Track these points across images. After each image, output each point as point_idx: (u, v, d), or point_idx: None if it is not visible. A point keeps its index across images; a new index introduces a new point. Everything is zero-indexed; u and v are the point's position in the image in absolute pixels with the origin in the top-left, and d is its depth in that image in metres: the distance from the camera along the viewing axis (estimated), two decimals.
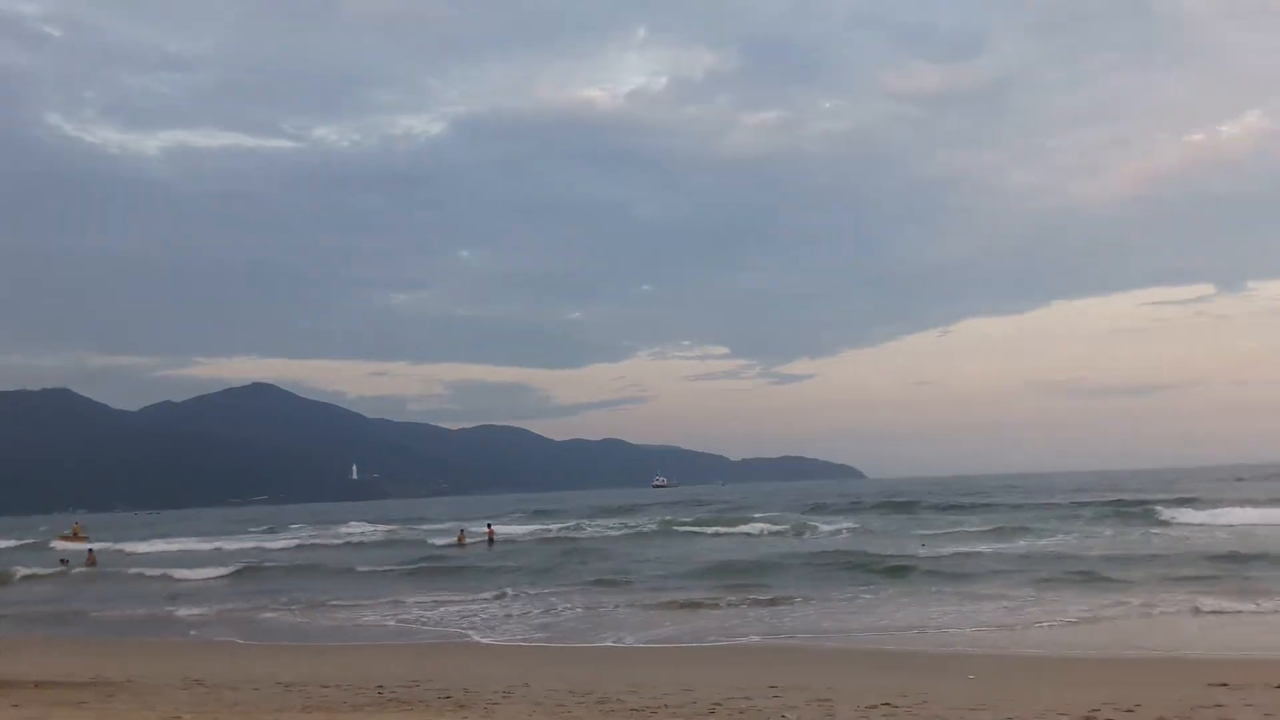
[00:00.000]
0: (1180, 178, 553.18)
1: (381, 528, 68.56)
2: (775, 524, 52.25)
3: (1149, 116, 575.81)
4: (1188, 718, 9.46)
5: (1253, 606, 19.54)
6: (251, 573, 37.79)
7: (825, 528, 50.21)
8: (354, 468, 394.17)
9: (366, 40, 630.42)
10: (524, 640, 19.86)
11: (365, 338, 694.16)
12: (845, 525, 51.84)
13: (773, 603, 23.54)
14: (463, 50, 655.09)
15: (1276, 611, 19.24)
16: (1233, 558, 27.73)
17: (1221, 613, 19.09)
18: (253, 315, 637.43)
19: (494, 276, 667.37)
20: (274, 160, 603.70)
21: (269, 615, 25.40)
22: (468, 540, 50.53)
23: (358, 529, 67.98)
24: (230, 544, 56.60)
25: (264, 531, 71.17)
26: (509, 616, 23.49)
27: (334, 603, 26.83)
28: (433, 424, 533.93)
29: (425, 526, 68.34)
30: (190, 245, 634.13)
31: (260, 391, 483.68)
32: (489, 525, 56.38)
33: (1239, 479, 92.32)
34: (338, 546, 53.45)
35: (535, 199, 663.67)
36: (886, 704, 10.79)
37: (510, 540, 52.62)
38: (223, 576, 36.33)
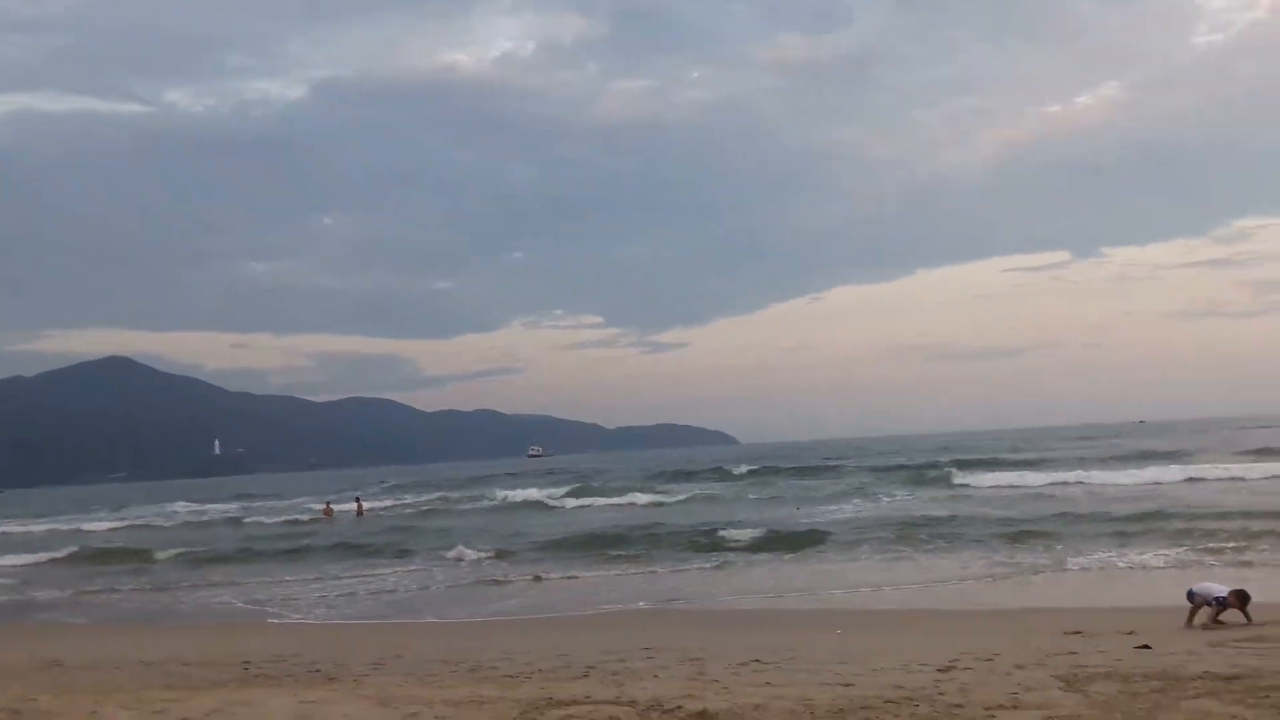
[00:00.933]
0: (1039, 148, 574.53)
1: (231, 506, 66.49)
2: (647, 492, 52.64)
3: (1010, 88, 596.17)
4: (1043, 664, 9.88)
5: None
6: (95, 555, 35.81)
7: (695, 494, 50.84)
8: (216, 443, 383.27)
9: (222, 1, 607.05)
10: (393, 614, 19.65)
11: (225, 309, 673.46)
12: (714, 491, 52.65)
13: (646, 570, 23.79)
14: (323, 12, 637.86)
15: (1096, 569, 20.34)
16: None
17: (1066, 569, 20.08)
18: (106, 286, 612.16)
19: (359, 245, 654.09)
20: (126, 125, 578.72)
21: (117, 598, 24.58)
22: (335, 512, 50.03)
23: (213, 507, 65.80)
24: (69, 524, 54.14)
25: (109, 512, 68.02)
26: (380, 591, 23.20)
27: (189, 584, 26.10)
28: (298, 397, 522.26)
29: (287, 501, 66.65)
30: (39, 213, 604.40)
31: (116, 365, 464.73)
32: (357, 498, 55.67)
33: (1082, 439, 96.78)
34: (194, 525, 51.95)
35: (400, 166, 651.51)
36: (756, 660, 11.00)
37: (379, 513, 52.03)
38: (56, 560, 34.16)
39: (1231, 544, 21.33)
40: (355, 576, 25.65)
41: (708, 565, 24.06)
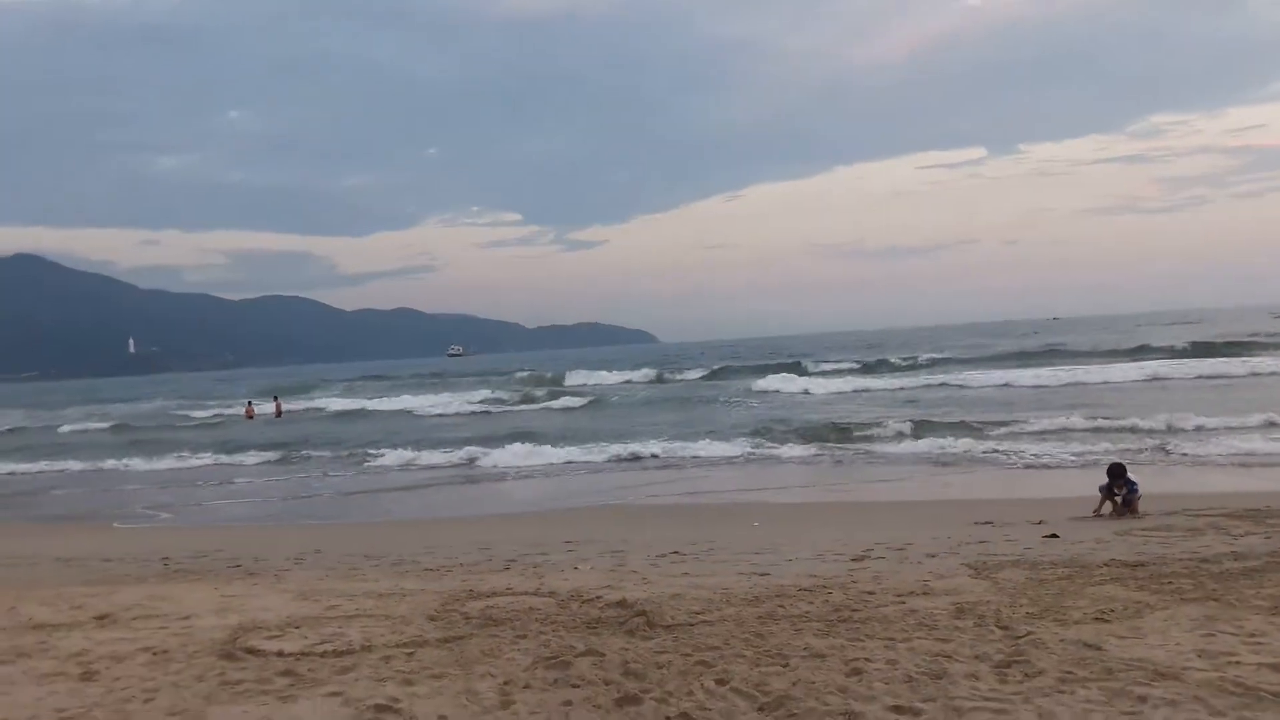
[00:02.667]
0: (954, 42, 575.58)
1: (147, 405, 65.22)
2: (576, 395, 52.57)
3: None
4: (954, 553, 10.16)
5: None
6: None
7: (613, 398, 50.95)
8: (131, 341, 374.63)
9: None
10: (315, 513, 19.55)
11: (132, 204, 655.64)
12: (635, 393, 52.93)
13: (568, 468, 23.90)
14: None
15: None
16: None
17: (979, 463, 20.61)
18: (8, 181, 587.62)
19: (267, 140, 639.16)
20: (20, 15, 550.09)
21: (36, 499, 24.08)
22: (256, 413, 49.78)
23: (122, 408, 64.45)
24: None
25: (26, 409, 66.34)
26: (300, 494, 23.04)
27: (104, 488, 25.68)
28: (213, 295, 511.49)
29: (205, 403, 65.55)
30: None
31: (24, 263, 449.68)
32: (276, 398, 55.45)
33: (991, 336, 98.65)
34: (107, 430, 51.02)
35: (307, 58, 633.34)
36: (675, 552, 11.16)
37: (298, 413, 51.75)
38: None
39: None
40: (276, 473, 25.41)
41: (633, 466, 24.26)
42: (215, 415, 50.59)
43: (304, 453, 30.51)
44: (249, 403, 53.25)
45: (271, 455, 30.27)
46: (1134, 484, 12.83)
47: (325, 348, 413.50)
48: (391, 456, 27.68)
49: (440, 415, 46.46)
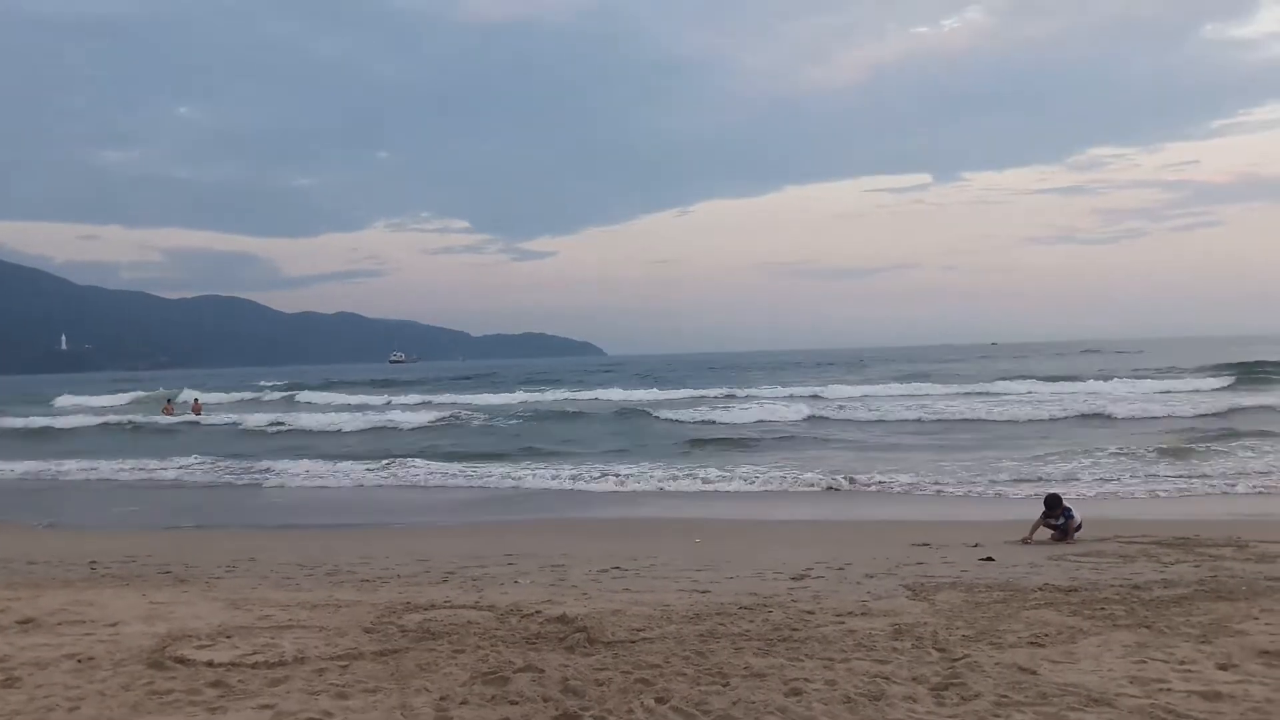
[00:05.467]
0: (903, 69, 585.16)
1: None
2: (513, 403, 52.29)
3: (876, 6, 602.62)
4: (892, 573, 10.24)
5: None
6: None
7: (567, 407, 50.79)
8: (63, 338, 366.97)
9: None
10: (246, 520, 19.21)
11: (73, 198, 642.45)
12: (587, 401, 52.82)
13: (513, 480, 23.71)
14: None
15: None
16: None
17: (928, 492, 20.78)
18: None
19: (214, 136, 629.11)
20: None
21: None
22: (175, 412, 49.31)
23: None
24: None
25: None
26: (240, 503, 22.65)
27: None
28: (150, 293, 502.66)
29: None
30: None
31: None
32: (195, 398, 55.80)
33: (936, 361, 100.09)
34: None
35: (259, 55, 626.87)
36: (616, 567, 11.13)
37: (221, 412, 51.54)
38: None
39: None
40: (200, 476, 24.94)
41: (572, 473, 24.09)
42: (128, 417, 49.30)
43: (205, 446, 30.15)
44: (168, 400, 53.64)
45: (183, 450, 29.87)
46: (1070, 512, 13.07)
47: (264, 350, 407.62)
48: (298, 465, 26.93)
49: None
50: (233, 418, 45.58)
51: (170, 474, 26.02)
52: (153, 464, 27.78)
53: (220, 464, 27.25)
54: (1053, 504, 13.22)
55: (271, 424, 41.78)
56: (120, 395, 68.22)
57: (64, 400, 65.52)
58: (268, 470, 25.70)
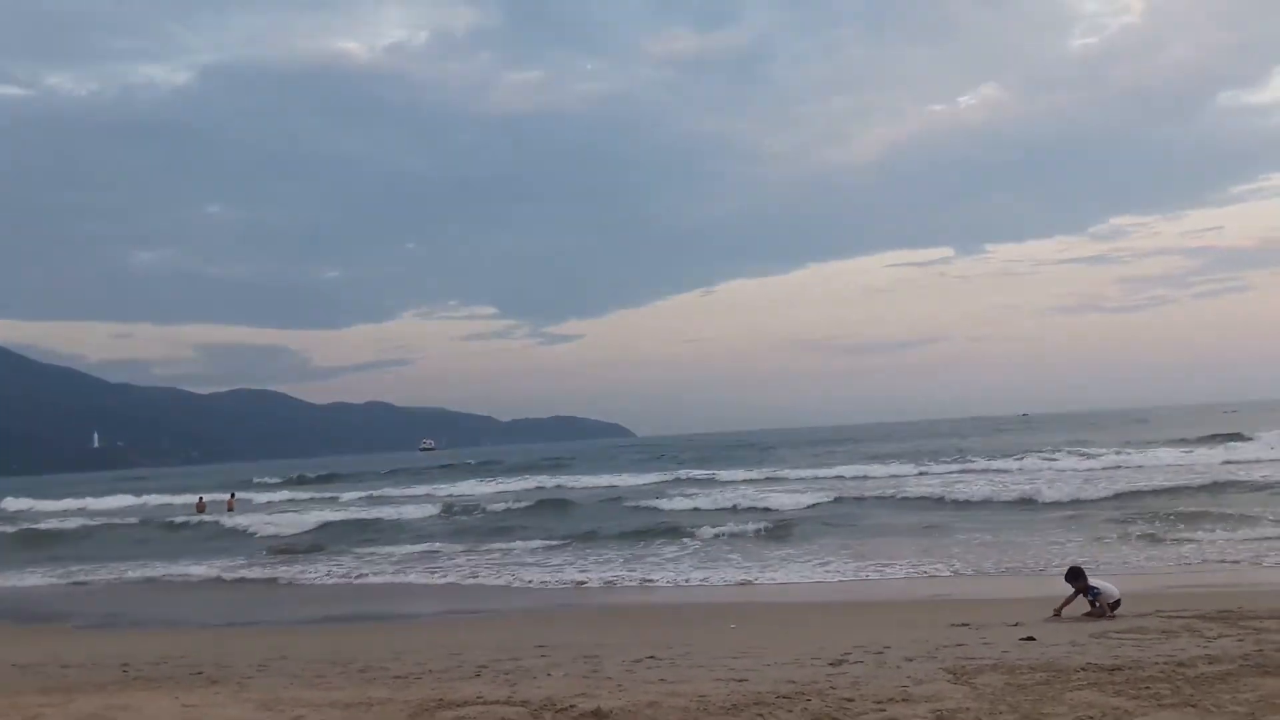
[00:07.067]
0: (922, 146, 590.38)
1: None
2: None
3: (893, 87, 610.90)
4: (932, 656, 10.06)
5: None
6: None
7: (592, 490, 50.62)
8: (95, 435, 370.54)
9: None
10: (280, 616, 19.16)
11: (107, 298, 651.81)
12: (612, 486, 52.63)
13: (538, 567, 23.57)
14: None
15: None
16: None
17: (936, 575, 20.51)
18: None
19: (246, 233, 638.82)
20: (4, 108, 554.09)
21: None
22: (208, 508, 49.48)
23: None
24: None
25: None
26: (268, 599, 22.62)
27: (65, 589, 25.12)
28: (181, 388, 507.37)
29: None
30: None
31: None
32: (231, 494, 55.42)
33: (956, 434, 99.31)
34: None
35: (289, 153, 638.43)
36: (651, 656, 10.98)
37: (254, 507, 51.57)
38: None
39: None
40: (233, 574, 24.92)
41: (602, 559, 23.94)
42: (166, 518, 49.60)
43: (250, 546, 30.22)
44: (200, 497, 53.21)
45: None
46: (1095, 589, 12.86)
47: (295, 443, 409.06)
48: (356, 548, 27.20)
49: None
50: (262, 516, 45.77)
51: (199, 570, 26.04)
52: (185, 561, 27.85)
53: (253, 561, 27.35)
54: (1073, 576, 13.06)
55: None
56: (149, 497, 68.07)
57: (109, 502, 65.25)
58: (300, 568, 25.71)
